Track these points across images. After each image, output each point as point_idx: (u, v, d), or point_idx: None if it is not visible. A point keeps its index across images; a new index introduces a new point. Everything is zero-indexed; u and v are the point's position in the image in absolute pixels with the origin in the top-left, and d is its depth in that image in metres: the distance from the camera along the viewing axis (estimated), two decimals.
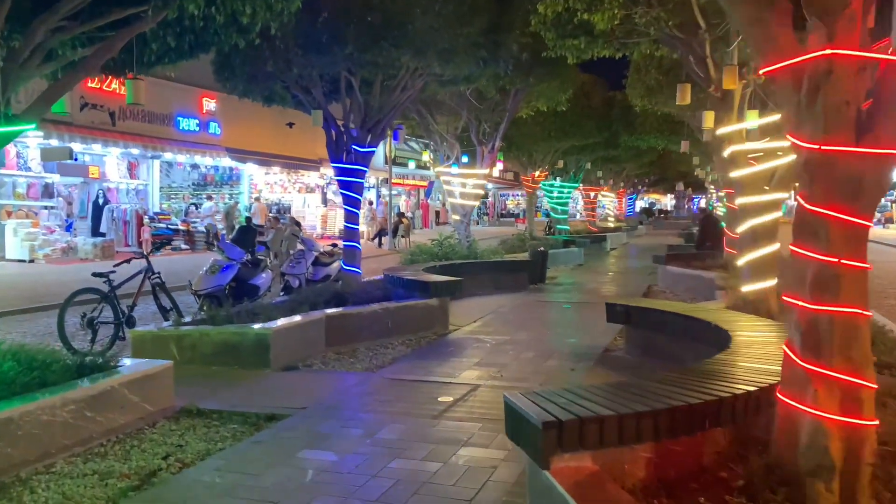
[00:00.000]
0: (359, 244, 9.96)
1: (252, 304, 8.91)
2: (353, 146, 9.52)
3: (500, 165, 18.25)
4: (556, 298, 12.17)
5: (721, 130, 7.26)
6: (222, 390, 6.44)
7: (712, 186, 38.24)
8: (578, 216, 36.04)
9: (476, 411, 5.64)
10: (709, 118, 8.13)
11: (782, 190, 6.97)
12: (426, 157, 14.64)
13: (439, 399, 5.99)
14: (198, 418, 5.63)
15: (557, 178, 23.06)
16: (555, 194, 23.20)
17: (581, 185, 26.21)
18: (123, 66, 7.40)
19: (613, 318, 7.52)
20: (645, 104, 12.60)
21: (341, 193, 9.86)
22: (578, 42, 7.84)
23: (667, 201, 75.86)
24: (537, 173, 20.95)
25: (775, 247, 7.04)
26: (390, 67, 8.24)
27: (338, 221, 32.51)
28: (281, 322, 7.62)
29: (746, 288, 7.16)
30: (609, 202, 34.94)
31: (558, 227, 23.51)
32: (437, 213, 45.40)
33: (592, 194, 30.23)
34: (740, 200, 7.20)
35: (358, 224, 10.02)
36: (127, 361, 5.91)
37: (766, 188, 7.21)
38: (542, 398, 3.63)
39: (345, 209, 9.90)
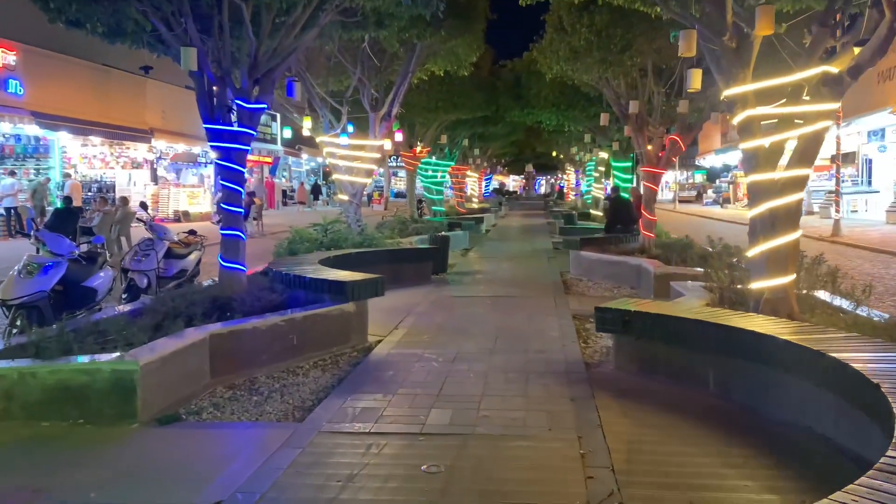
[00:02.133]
0: (243, 233, 7.58)
1: (96, 319, 6.29)
2: (237, 101, 7.10)
3: (399, 136, 16.06)
4: (471, 292, 10.47)
5: (732, 91, 5.87)
6: (66, 471, 4.05)
7: (571, 167, 38.67)
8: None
9: (490, 489, 3.76)
10: (696, 77, 6.76)
11: (804, 165, 5.73)
12: (307, 124, 12.16)
13: (423, 468, 4.04)
14: None
15: (433, 156, 21.37)
16: (429, 173, 21.49)
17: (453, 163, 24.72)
18: None
19: (606, 327, 5.94)
20: (563, 70, 11.22)
21: (218, 165, 7.40)
22: None
23: (509, 182, 77.28)
24: (419, 148, 19.09)
25: (797, 234, 5.81)
26: None
27: (171, 202, 28.61)
28: (151, 349, 5.21)
29: (760, 284, 5.88)
30: (472, 182, 33.96)
31: (434, 208, 21.85)
32: (284, 192, 42.09)
33: (460, 174, 28.94)
34: (754, 178, 5.88)
35: (241, 206, 7.63)
36: None
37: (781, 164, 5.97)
38: None
39: (223, 186, 7.45)
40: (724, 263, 7.50)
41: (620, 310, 5.73)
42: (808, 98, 5.81)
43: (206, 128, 7.25)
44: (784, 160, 5.93)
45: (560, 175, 64.74)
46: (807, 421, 4.48)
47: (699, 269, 9.70)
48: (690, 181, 50.46)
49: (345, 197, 11.96)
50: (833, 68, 5.52)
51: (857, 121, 20.29)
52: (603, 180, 26.08)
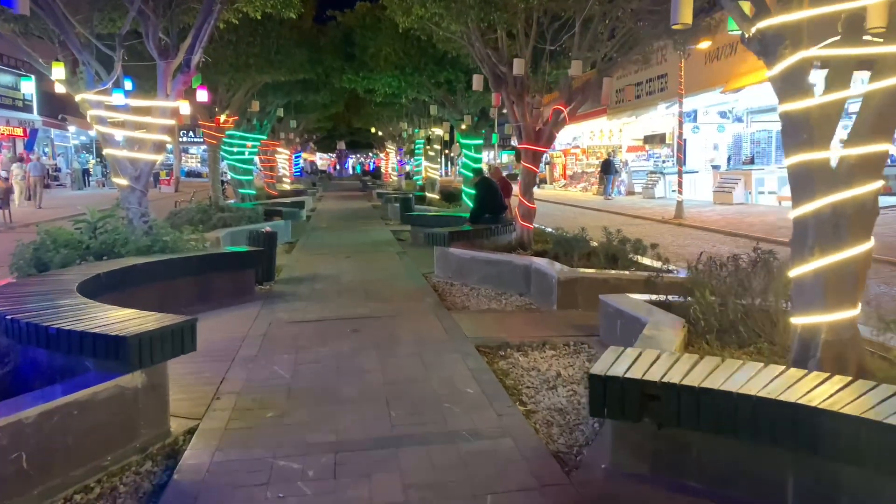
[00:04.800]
0: None
1: None
2: None
3: (203, 94, 11.97)
4: (319, 313, 7.56)
5: (779, 19, 3.72)
6: None
7: (391, 146, 36.10)
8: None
9: None
10: (685, 8, 4.54)
11: (881, 137, 3.76)
12: (58, 73, 8.25)
13: None
14: None
15: (240, 128, 17.52)
16: (236, 149, 17.66)
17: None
18: None
19: (612, 409, 3.51)
20: (427, 15, 8.56)
21: None
22: None
23: (317, 160, 72.94)
24: (223, 117, 15.28)
25: (870, 244, 3.83)
26: None
27: None
28: None
29: (812, 318, 3.84)
30: (283, 160, 29.96)
31: (241, 191, 18.12)
32: (47, 171, 34.88)
33: (270, 150, 24.93)
34: (803, 157, 3.80)
35: None
36: None
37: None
38: None
39: None
40: (708, 274, 5.42)
41: (638, 381, 3.35)
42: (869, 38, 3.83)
43: None
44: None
45: (372, 153, 61.93)
46: None
47: (610, 270, 7.78)
48: (499, 162, 50.52)
49: (123, 181, 8.35)
50: None
51: (687, 99, 20.12)
52: (438, 159, 24.03)
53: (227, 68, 13.40)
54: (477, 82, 10.37)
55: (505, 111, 11.81)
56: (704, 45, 16.28)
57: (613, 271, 7.61)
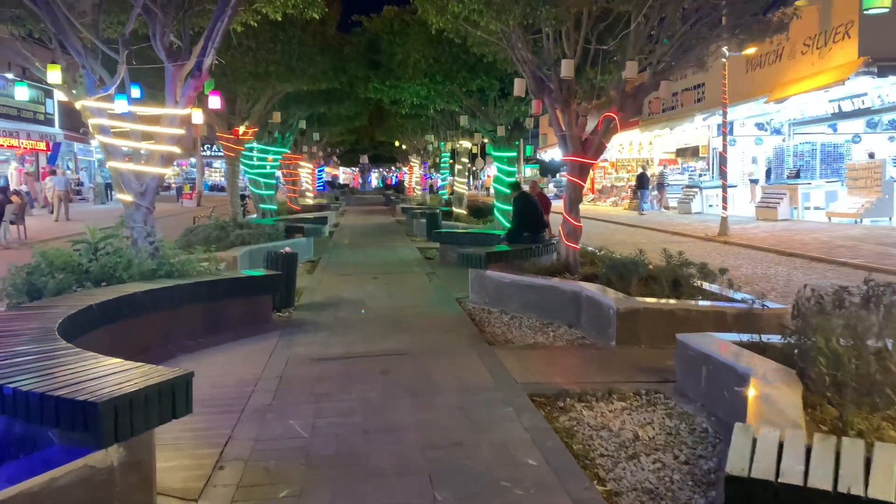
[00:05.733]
0: None
1: None
2: None
3: (215, 101, 10.98)
4: (342, 348, 6.66)
5: None
6: None
7: (415, 159, 35.36)
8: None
9: None
10: None
11: None
12: (54, 77, 7.45)
13: None
14: None
15: (261, 140, 16.78)
16: (257, 162, 16.91)
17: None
18: None
19: None
20: (466, 13, 7.67)
21: None
22: None
23: (340, 175, 72.62)
24: (242, 129, 14.51)
25: None
26: None
27: None
28: None
29: None
30: (306, 174, 29.28)
31: (262, 206, 17.37)
32: (71, 185, 34.58)
33: (293, 164, 24.26)
34: None
35: None
36: None
37: None
38: None
39: None
40: (818, 312, 4.37)
41: (800, 489, 2.36)
42: None
43: None
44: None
45: (395, 167, 61.31)
46: None
47: (673, 300, 6.78)
48: (521, 176, 49.52)
49: (128, 197, 7.54)
50: None
51: (732, 108, 19.04)
52: (466, 173, 23.13)
53: (247, 76, 12.63)
54: (518, 87, 9.45)
55: (535, 126, 10.87)
56: (750, 49, 15.31)
57: (679, 301, 6.61)
